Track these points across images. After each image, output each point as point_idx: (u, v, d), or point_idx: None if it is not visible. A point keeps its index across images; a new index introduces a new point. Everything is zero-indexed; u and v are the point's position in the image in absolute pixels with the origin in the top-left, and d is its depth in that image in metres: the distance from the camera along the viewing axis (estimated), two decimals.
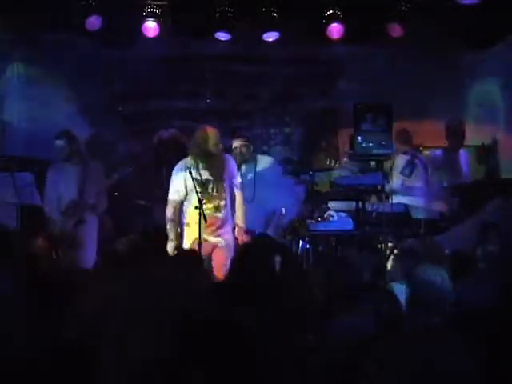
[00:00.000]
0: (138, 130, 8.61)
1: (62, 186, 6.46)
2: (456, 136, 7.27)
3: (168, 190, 5.92)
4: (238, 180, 6.01)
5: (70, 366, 2.82)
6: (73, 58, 8.21)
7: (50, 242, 5.25)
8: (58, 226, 6.31)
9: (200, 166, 5.76)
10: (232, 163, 5.98)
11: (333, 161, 8.11)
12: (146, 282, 3.43)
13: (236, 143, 6.49)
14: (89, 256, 6.29)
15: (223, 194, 5.83)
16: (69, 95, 8.18)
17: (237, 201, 5.96)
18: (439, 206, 7.10)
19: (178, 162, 5.92)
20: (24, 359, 2.72)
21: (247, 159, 6.51)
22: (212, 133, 5.76)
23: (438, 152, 7.39)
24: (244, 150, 6.45)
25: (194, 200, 5.67)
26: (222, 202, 5.82)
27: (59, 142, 6.49)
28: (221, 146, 5.84)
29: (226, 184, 5.85)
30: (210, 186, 5.78)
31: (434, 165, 7.31)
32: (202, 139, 5.74)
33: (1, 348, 2.73)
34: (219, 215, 5.81)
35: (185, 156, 5.91)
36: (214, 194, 5.79)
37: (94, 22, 7.51)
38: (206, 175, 5.77)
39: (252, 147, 6.56)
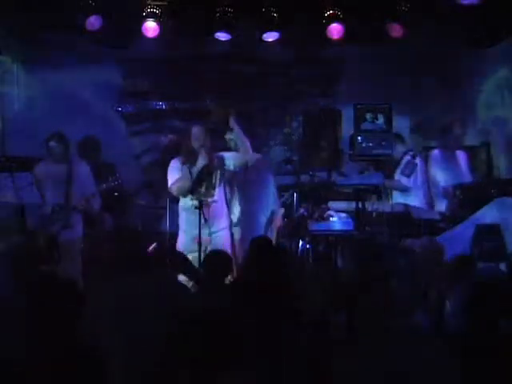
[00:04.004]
0: (138, 130, 8.60)
1: (49, 187, 6.39)
2: (452, 135, 7.26)
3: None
4: None
5: (70, 366, 2.81)
6: (73, 58, 8.22)
7: (51, 242, 5.24)
8: (42, 228, 6.22)
9: None
10: None
11: (333, 161, 8.11)
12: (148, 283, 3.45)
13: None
14: (73, 262, 6.18)
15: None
16: (69, 95, 8.18)
17: None
18: (440, 206, 7.11)
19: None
20: (23, 359, 2.72)
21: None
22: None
23: (436, 152, 7.39)
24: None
25: None
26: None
27: (51, 145, 6.46)
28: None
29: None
30: None
31: (433, 164, 7.30)
32: None
33: (1, 349, 2.73)
34: None
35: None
36: None
37: (94, 22, 7.50)
38: None
39: None
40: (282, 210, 7.06)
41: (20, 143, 7.70)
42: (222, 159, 6.08)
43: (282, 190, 7.51)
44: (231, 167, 6.10)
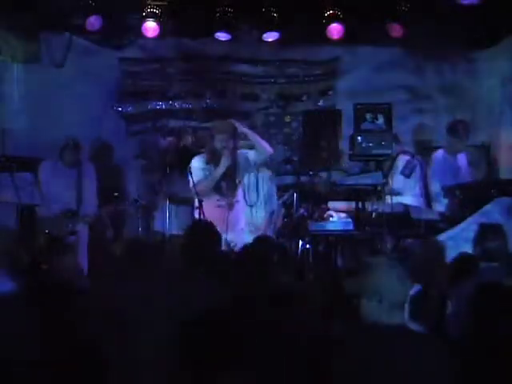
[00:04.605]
0: (138, 129, 8.60)
1: (55, 190, 6.40)
2: (458, 137, 7.24)
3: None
4: None
5: (70, 366, 2.82)
6: (73, 58, 8.21)
7: (52, 243, 5.24)
8: (51, 230, 6.25)
9: None
10: None
11: (333, 161, 8.11)
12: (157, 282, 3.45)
13: None
14: (77, 265, 6.28)
15: None
16: (69, 95, 8.17)
17: None
18: (440, 206, 7.11)
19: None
20: (22, 360, 2.73)
21: None
22: None
23: (440, 152, 7.38)
24: None
25: None
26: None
27: (66, 153, 6.47)
28: None
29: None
30: None
31: (435, 164, 7.31)
32: None
33: (4, 349, 2.74)
34: None
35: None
36: None
37: (94, 22, 7.51)
38: None
39: None
40: (282, 211, 7.07)
41: (20, 143, 7.70)
42: (245, 158, 6.08)
43: (282, 189, 7.52)
44: (253, 164, 6.12)
